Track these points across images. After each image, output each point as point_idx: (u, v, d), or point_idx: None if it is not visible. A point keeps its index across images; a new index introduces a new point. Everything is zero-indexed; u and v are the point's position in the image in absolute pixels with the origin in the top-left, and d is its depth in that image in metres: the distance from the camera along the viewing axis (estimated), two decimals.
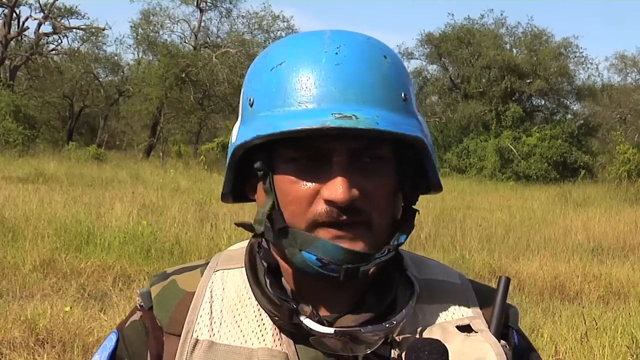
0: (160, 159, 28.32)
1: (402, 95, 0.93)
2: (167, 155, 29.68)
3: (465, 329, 0.97)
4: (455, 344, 0.94)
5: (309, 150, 0.91)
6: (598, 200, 18.44)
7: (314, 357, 0.95)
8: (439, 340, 0.91)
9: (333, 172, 0.90)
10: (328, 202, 0.90)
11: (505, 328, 1.01)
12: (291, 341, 0.96)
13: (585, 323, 5.58)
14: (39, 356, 4.88)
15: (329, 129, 0.86)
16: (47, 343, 5.06)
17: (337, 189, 0.89)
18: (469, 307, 1.01)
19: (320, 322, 0.94)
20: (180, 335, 0.98)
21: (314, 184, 0.91)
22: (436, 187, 1.00)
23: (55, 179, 16.37)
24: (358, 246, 0.91)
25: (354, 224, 0.91)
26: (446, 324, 0.97)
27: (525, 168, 30.44)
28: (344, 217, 0.90)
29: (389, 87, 0.92)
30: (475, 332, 0.96)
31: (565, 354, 5.15)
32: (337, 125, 0.86)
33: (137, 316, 1.04)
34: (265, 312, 0.96)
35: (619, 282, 8.06)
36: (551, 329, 5.66)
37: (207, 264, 1.05)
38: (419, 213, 0.98)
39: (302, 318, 0.93)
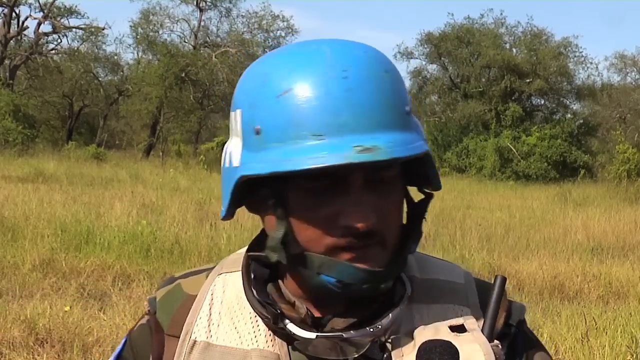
0: (160, 159, 28.31)
1: (406, 109, 0.93)
2: (166, 155, 29.67)
3: (458, 329, 0.97)
4: None
5: (324, 181, 0.90)
6: (598, 200, 18.44)
7: (307, 359, 0.95)
8: (450, 342, 0.91)
9: (351, 198, 0.90)
10: (347, 228, 0.90)
11: (506, 327, 1.01)
12: (284, 343, 0.96)
13: (585, 323, 5.58)
14: (38, 356, 4.87)
15: (352, 165, 0.86)
16: (47, 342, 5.06)
17: (356, 216, 0.89)
18: (468, 307, 1.01)
19: (315, 323, 0.95)
20: (179, 337, 1.01)
21: (330, 208, 0.90)
22: (436, 189, 1.01)
23: (55, 179, 16.37)
24: (376, 265, 0.91)
25: (370, 245, 0.91)
26: (439, 324, 0.97)
27: (525, 167, 30.43)
28: (364, 242, 0.90)
29: (395, 105, 0.91)
30: (467, 332, 0.96)
31: (565, 353, 5.15)
32: (362, 161, 0.85)
33: (144, 320, 1.08)
34: (257, 314, 0.97)
35: (618, 282, 8.06)
36: (551, 329, 5.66)
37: (214, 267, 1.07)
38: (425, 220, 0.99)
39: (286, 322, 0.94)
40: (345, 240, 0.90)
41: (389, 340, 0.95)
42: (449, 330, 0.96)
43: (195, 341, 0.99)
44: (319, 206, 0.90)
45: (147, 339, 1.05)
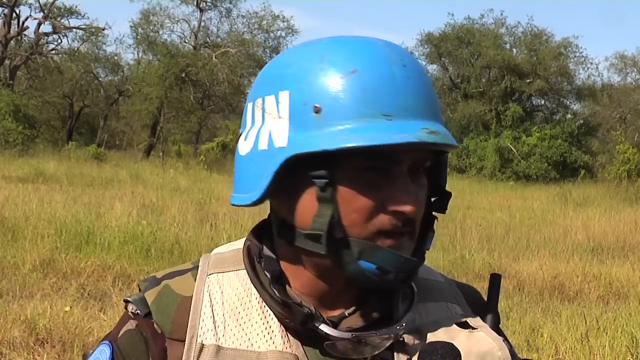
0: (160, 159, 28.30)
1: (441, 106, 0.97)
2: (167, 155, 29.65)
3: (464, 325, 0.98)
4: (460, 340, 0.95)
5: (382, 161, 0.90)
6: (598, 200, 18.44)
7: (323, 358, 0.95)
8: (452, 343, 0.92)
9: (399, 183, 0.91)
10: (395, 212, 0.90)
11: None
12: (299, 342, 0.95)
13: (585, 323, 5.58)
14: (38, 356, 4.88)
15: (424, 144, 0.88)
16: (47, 343, 5.06)
17: (406, 200, 0.90)
18: (459, 305, 1.03)
19: (326, 323, 0.94)
20: (184, 341, 0.95)
21: (381, 192, 0.90)
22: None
23: (55, 179, 16.36)
24: (408, 254, 0.93)
25: (406, 233, 0.92)
26: (447, 322, 0.99)
27: (525, 168, 30.44)
28: (407, 228, 0.91)
29: (437, 100, 0.95)
30: (475, 328, 0.98)
31: (565, 353, 5.15)
32: (433, 141, 0.88)
33: (131, 325, 1.00)
34: (275, 313, 0.95)
35: (619, 282, 8.07)
36: (551, 329, 5.66)
37: (196, 267, 1.02)
38: (437, 219, 1.00)
39: (317, 323, 0.93)
40: (391, 225, 0.90)
41: (405, 340, 0.95)
42: (457, 327, 0.97)
43: (203, 345, 0.94)
44: (370, 189, 0.90)
45: (140, 346, 0.98)
